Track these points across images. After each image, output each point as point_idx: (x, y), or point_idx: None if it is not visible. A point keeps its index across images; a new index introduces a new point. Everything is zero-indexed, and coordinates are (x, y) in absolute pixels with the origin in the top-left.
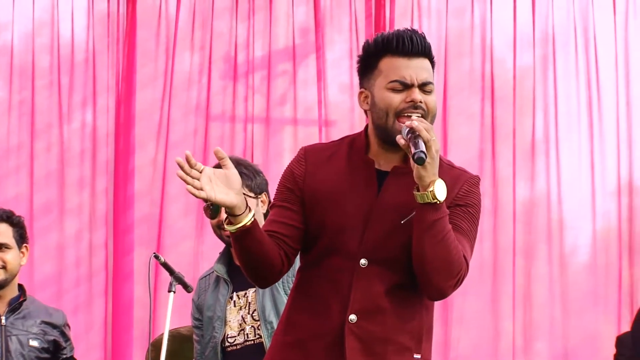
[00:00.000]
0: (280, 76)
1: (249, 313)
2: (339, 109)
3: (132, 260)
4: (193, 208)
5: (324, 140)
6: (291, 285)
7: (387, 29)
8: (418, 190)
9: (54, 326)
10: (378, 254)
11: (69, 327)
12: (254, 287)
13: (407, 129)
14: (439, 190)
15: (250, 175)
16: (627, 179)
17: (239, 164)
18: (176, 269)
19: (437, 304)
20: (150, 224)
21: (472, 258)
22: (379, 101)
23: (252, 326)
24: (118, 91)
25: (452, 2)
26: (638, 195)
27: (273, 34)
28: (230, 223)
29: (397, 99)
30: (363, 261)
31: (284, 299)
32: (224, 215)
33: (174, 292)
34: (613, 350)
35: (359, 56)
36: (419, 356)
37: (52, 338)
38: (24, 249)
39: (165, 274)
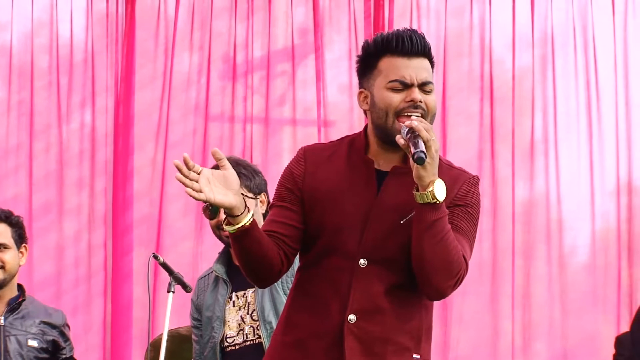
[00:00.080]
0: (279, 76)
1: (248, 313)
2: (338, 109)
3: (131, 261)
4: (192, 208)
5: (323, 141)
6: (290, 286)
7: (386, 29)
8: (417, 190)
9: (53, 326)
10: (377, 254)
11: (69, 327)
12: (253, 287)
13: (407, 129)
14: (439, 190)
15: (249, 176)
16: (626, 179)
17: (238, 164)
18: (175, 269)
19: (437, 304)
20: (150, 224)
21: (472, 258)
22: (378, 101)
23: (251, 326)
24: (117, 91)
25: (451, 2)
26: (637, 195)
27: (272, 34)
28: (229, 224)
29: (396, 98)
30: (362, 261)
31: (283, 299)
32: (223, 216)
33: (173, 292)
34: (612, 351)
35: (358, 56)
36: (418, 356)
37: (51, 338)
38: (22, 249)
39: (164, 274)
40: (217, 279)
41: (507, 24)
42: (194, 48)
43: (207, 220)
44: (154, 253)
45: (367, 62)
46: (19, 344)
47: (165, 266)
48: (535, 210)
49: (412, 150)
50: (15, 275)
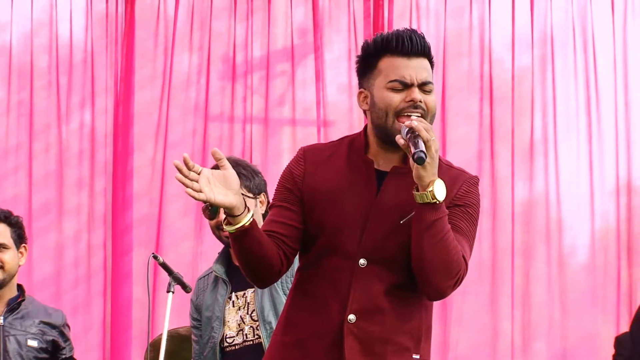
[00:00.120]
0: (279, 76)
1: (247, 313)
2: (338, 110)
3: (131, 261)
4: (192, 208)
5: (322, 141)
6: (290, 286)
7: (386, 29)
8: (417, 190)
9: (52, 326)
10: (377, 254)
11: (69, 327)
12: (253, 287)
13: (407, 129)
14: (439, 190)
15: (249, 176)
16: (626, 179)
17: (237, 164)
18: (175, 269)
19: (436, 304)
20: (149, 224)
21: (471, 258)
22: (378, 101)
23: (250, 326)
24: (117, 91)
25: (451, 2)
26: (636, 195)
27: (271, 35)
28: (229, 223)
29: (396, 98)
30: (362, 261)
31: (282, 299)
32: (222, 216)
33: (173, 292)
34: (612, 351)
35: (358, 56)
36: (417, 356)
37: (50, 338)
38: (22, 249)
39: (164, 274)
40: (216, 279)
41: (506, 24)
42: (193, 48)
43: (206, 221)
44: (153, 253)
45: (367, 62)
46: (18, 344)
47: (164, 266)
48: (535, 210)
49: (412, 150)
50: (14, 275)
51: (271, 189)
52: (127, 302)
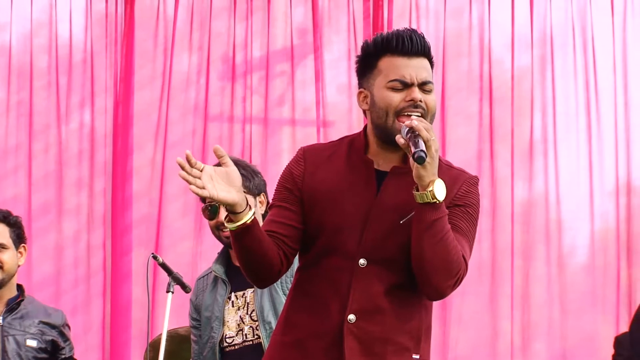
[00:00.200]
0: (279, 77)
1: (247, 313)
2: (337, 110)
3: (131, 261)
4: (191, 208)
5: (322, 141)
6: (289, 286)
7: (385, 29)
8: (417, 190)
9: (52, 326)
10: (377, 254)
11: (69, 327)
12: (252, 287)
13: (407, 129)
14: (439, 190)
15: (249, 176)
16: (625, 179)
17: (237, 164)
18: (174, 269)
19: (436, 304)
20: (149, 225)
21: (471, 258)
22: (378, 100)
23: (250, 326)
24: (116, 92)
25: (450, 2)
26: (636, 195)
27: (271, 35)
28: (230, 221)
29: (396, 98)
30: (362, 261)
31: (282, 299)
32: (222, 216)
33: (172, 292)
34: (611, 351)
35: (357, 56)
36: (417, 356)
37: (50, 338)
38: (21, 249)
39: (163, 274)
40: (216, 279)
41: (506, 24)
42: (193, 48)
43: (206, 221)
44: (153, 253)
45: (367, 62)
46: (17, 344)
47: (164, 266)
48: (535, 210)
49: (412, 149)
50: (14, 275)
51: (271, 189)
52: (127, 302)
